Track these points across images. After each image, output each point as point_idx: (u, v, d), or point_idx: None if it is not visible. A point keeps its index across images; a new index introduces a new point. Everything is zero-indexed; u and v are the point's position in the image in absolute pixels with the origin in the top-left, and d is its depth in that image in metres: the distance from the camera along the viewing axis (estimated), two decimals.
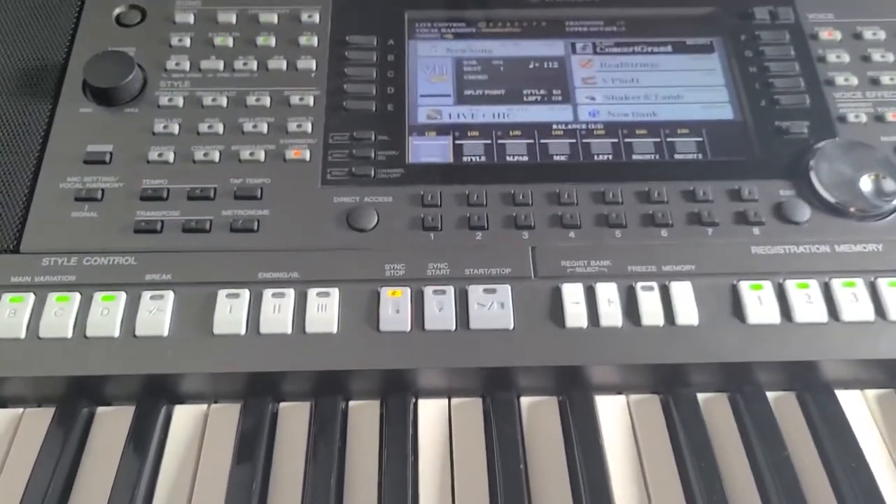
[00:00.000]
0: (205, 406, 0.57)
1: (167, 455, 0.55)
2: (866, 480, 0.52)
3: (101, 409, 0.57)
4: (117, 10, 0.72)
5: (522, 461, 0.53)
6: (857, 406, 0.57)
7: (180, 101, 0.67)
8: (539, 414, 0.57)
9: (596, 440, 0.54)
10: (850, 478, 0.52)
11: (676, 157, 0.66)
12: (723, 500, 0.51)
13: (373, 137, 0.66)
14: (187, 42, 0.70)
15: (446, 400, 0.58)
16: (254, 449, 0.53)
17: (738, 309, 0.58)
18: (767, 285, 0.59)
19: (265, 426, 0.55)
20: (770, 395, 0.57)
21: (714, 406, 0.57)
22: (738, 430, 0.56)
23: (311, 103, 0.67)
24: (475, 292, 0.58)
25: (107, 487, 0.52)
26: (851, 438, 0.54)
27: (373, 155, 0.65)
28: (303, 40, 0.70)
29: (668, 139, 0.67)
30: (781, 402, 0.57)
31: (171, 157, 0.64)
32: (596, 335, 0.57)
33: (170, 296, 0.58)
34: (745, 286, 0.58)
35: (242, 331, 0.56)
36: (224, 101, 0.67)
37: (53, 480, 0.52)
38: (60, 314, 0.56)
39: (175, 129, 0.65)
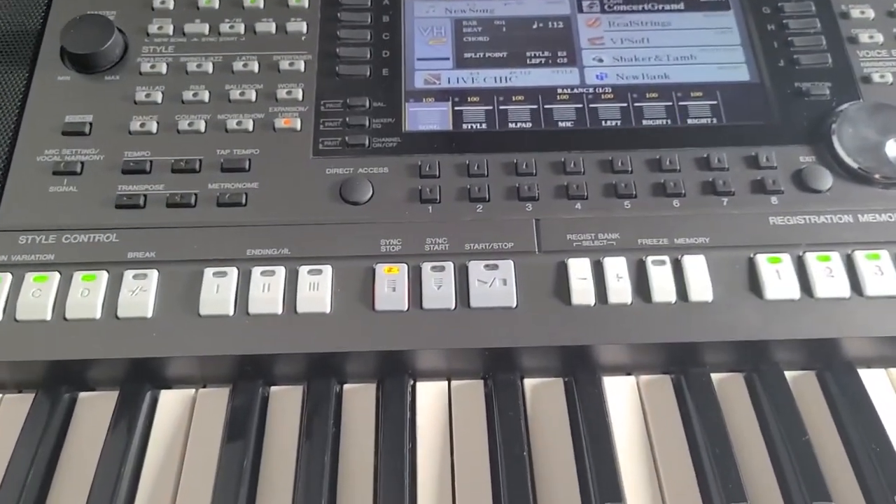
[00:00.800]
0: (192, 390, 0.55)
1: (153, 441, 0.52)
2: (891, 464, 0.49)
3: (83, 395, 0.55)
4: None
5: (526, 446, 0.50)
6: (882, 386, 0.54)
7: (163, 68, 0.63)
8: (544, 396, 0.54)
9: (604, 424, 0.51)
10: (874, 462, 0.49)
11: (689, 122, 0.62)
12: (738, 487, 0.48)
13: (367, 104, 0.62)
14: (170, 4, 0.66)
15: (446, 382, 0.55)
16: (244, 431, 0.51)
17: (755, 284, 0.55)
18: (786, 258, 0.55)
19: (255, 410, 0.53)
20: (788, 374, 0.54)
21: (729, 387, 0.54)
22: (754, 413, 0.53)
23: (302, 69, 0.63)
24: (476, 269, 0.55)
25: (89, 475, 0.49)
26: (875, 420, 0.51)
27: (367, 123, 0.61)
28: (292, 1, 0.66)
29: (681, 103, 0.63)
30: (801, 382, 0.54)
31: (153, 127, 0.61)
32: (604, 313, 0.54)
33: (153, 275, 0.55)
34: (762, 259, 0.55)
35: (230, 311, 0.54)
36: (210, 68, 0.63)
37: (33, 468, 0.50)
38: (38, 295, 0.54)
39: (158, 97, 0.62)
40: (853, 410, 0.52)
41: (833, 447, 0.51)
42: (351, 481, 0.50)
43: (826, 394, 0.54)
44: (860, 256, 0.55)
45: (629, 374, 0.55)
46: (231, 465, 0.49)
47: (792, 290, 0.54)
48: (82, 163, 0.59)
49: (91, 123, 0.61)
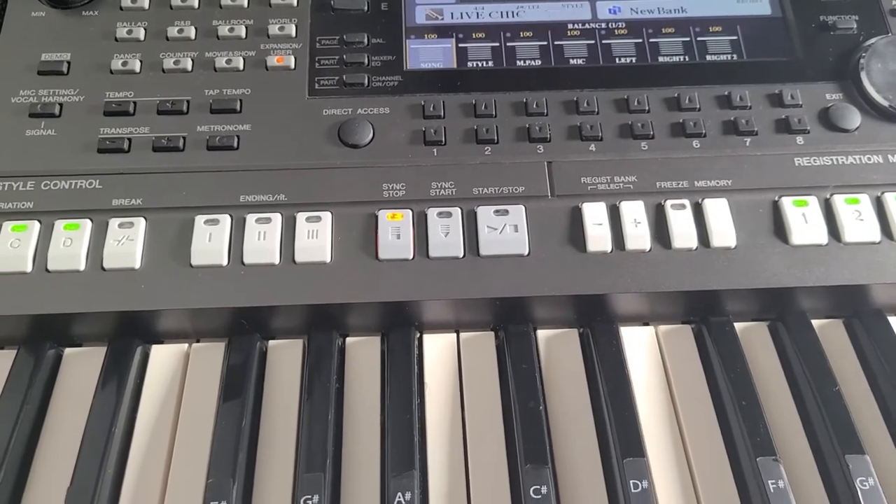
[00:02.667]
0: (185, 345, 0.52)
1: (144, 400, 0.49)
2: None
3: (68, 351, 0.51)
4: None
5: (541, 400, 0.47)
6: None
7: (146, 2, 0.59)
8: (558, 348, 0.51)
9: (622, 376, 0.49)
10: None
11: (708, 58, 0.59)
12: (767, 440, 0.45)
13: (366, 41, 0.58)
14: None
15: (454, 334, 0.52)
16: (242, 388, 0.48)
17: (780, 228, 0.52)
18: (813, 201, 0.52)
19: (254, 365, 0.50)
20: (815, 322, 0.52)
21: (753, 336, 0.52)
22: (780, 363, 0.51)
23: (295, 2, 0.60)
24: (485, 214, 0.52)
25: (77, 435, 0.47)
26: None
27: (366, 61, 0.57)
28: None
29: (699, 38, 0.59)
30: (828, 331, 0.52)
31: (136, 66, 0.57)
32: (621, 260, 0.51)
33: (141, 223, 0.51)
34: (787, 202, 0.52)
35: (224, 261, 0.50)
36: (195, 1, 0.59)
37: (18, 428, 0.47)
38: (17, 245, 0.50)
39: (140, 33, 0.58)
40: (884, 359, 0.49)
41: (863, 398, 0.49)
42: (357, 440, 0.47)
43: (855, 343, 0.52)
44: (890, 198, 0.53)
45: (647, 323, 0.53)
46: (229, 424, 0.47)
47: (819, 235, 0.51)
48: (60, 104, 0.55)
49: (69, 62, 0.57)
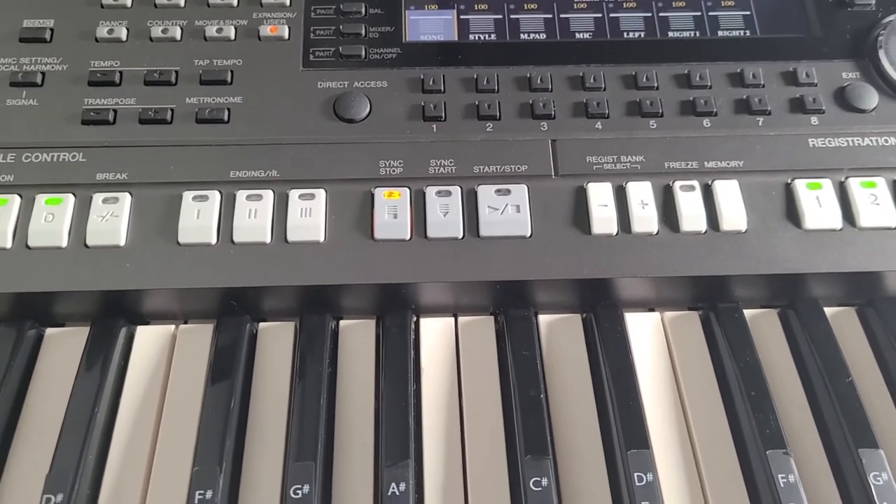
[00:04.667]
0: (172, 327, 0.50)
1: (129, 382, 0.47)
2: None
3: (50, 331, 0.50)
4: None
5: (542, 388, 0.46)
6: None
7: None
8: (560, 334, 0.49)
9: (627, 363, 0.47)
10: None
11: (720, 33, 0.56)
12: (777, 433, 0.43)
13: (363, 11, 0.56)
14: None
15: (452, 318, 0.50)
16: (230, 371, 0.46)
17: (792, 212, 0.50)
18: (827, 184, 0.50)
19: (243, 348, 0.48)
20: (828, 310, 0.50)
21: (763, 324, 0.50)
22: (790, 352, 0.49)
23: None
24: (486, 193, 0.50)
25: (58, 418, 0.45)
26: None
27: (363, 32, 0.55)
28: None
29: (711, 13, 0.57)
30: (840, 319, 0.50)
31: (123, 33, 0.54)
32: (627, 243, 0.49)
33: (126, 198, 0.49)
34: (801, 185, 0.50)
35: (213, 239, 0.48)
36: None
37: None
38: None
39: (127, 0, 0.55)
40: None
41: (876, 389, 0.47)
42: (350, 427, 0.45)
43: (868, 332, 0.50)
44: None
45: (653, 309, 0.51)
46: (217, 409, 0.45)
47: (833, 219, 0.49)
48: (43, 73, 0.53)
49: (52, 29, 0.55)
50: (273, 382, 0.47)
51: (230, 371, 0.46)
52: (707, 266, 0.48)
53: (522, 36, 0.56)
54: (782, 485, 0.41)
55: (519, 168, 0.51)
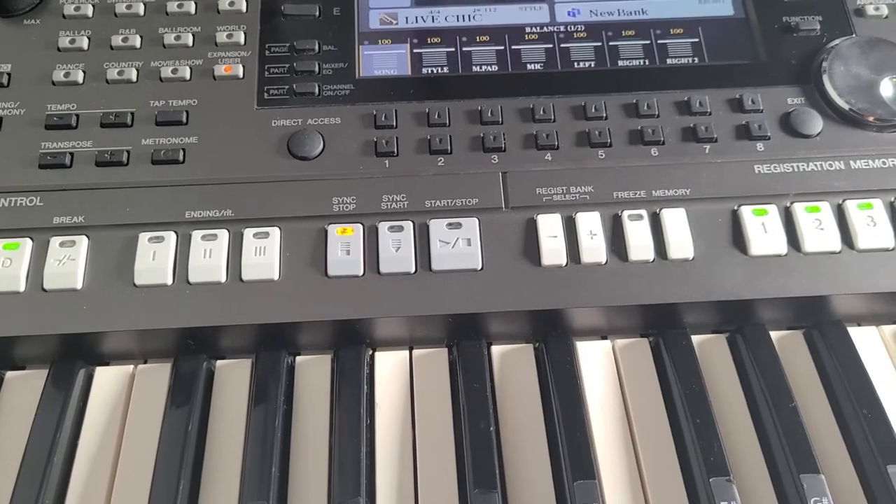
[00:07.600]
0: (130, 367, 0.50)
1: (87, 423, 0.48)
2: (882, 429, 0.46)
3: (10, 374, 0.50)
4: None
5: (493, 420, 0.47)
6: (873, 344, 0.51)
7: (89, 10, 0.57)
8: (512, 363, 0.50)
9: (576, 393, 0.48)
10: (864, 428, 0.46)
11: (669, 62, 0.57)
12: (721, 460, 0.44)
13: (317, 48, 0.57)
14: None
15: (407, 351, 0.51)
16: (187, 409, 0.47)
17: (738, 238, 0.51)
18: (773, 210, 0.51)
19: (200, 386, 0.49)
20: (774, 334, 0.51)
21: (711, 349, 0.51)
22: (737, 376, 0.50)
23: (244, 8, 0.58)
24: (438, 228, 0.50)
25: (16, 462, 0.45)
26: (866, 382, 0.48)
27: (317, 69, 0.56)
28: None
29: (660, 41, 0.58)
30: (787, 343, 0.51)
31: (79, 76, 0.55)
32: (577, 274, 0.50)
33: (83, 241, 0.50)
34: (747, 211, 0.51)
35: (169, 280, 0.49)
36: (141, 9, 0.57)
37: None
38: None
39: (84, 43, 0.56)
40: (843, 373, 0.48)
41: (821, 413, 0.48)
42: (304, 464, 0.46)
43: (814, 355, 0.51)
44: (852, 206, 0.51)
45: (604, 337, 0.52)
46: (173, 447, 0.46)
47: (779, 245, 0.50)
48: (0, 118, 0.53)
49: (9, 73, 0.55)
50: (230, 420, 0.48)
51: (187, 409, 0.47)
52: (655, 294, 0.49)
53: (475, 69, 0.57)
54: None
55: (470, 201, 0.52)
